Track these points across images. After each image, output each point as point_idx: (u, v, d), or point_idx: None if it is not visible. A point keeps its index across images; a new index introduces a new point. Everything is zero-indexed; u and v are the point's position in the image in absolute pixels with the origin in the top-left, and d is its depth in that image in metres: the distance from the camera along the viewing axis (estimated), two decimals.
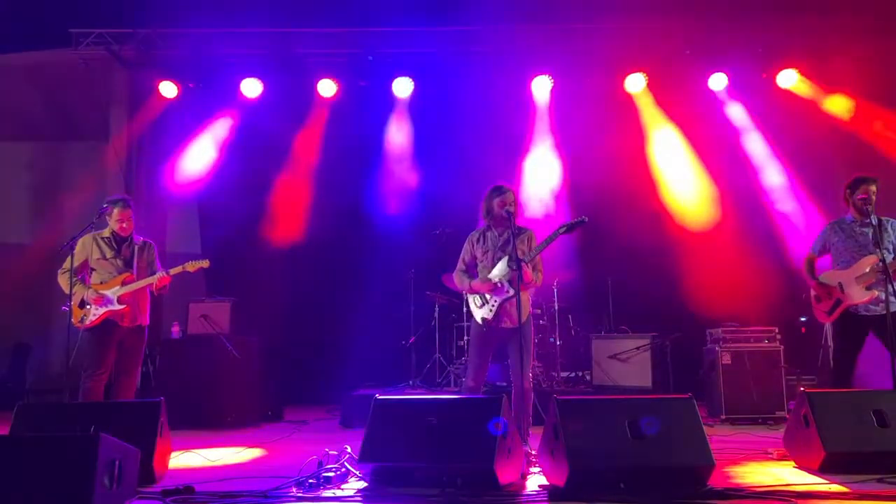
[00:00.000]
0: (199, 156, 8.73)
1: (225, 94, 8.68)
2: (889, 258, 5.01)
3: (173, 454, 4.64)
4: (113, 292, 5.32)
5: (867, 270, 5.07)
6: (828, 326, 7.15)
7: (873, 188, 5.18)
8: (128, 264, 5.46)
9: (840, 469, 3.91)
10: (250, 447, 5.52)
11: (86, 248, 5.43)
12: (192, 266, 5.50)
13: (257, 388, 7.27)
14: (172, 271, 5.45)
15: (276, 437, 6.10)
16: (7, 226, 9.13)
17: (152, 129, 8.75)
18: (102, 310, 5.29)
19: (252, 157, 8.72)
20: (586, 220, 4.84)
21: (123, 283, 5.36)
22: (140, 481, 3.70)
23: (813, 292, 5.41)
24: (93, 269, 5.44)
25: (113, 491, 3.30)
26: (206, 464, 4.78)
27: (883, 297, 5.00)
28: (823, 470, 3.97)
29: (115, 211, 5.42)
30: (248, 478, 4.11)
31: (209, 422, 6.64)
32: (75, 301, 5.32)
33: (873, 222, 5.18)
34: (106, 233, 5.49)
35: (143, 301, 5.51)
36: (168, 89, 8.54)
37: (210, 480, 4.00)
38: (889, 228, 5.21)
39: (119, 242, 5.49)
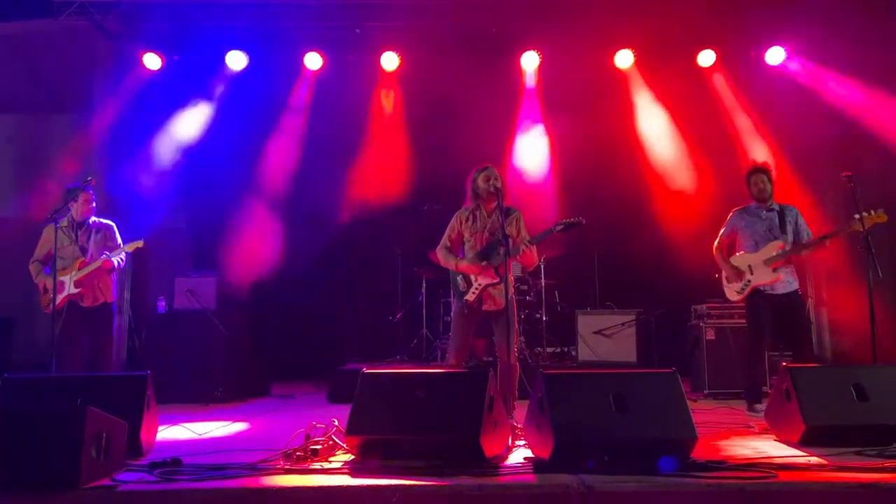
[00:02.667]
0: (184, 128, 8.64)
1: (210, 66, 8.56)
2: (788, 244, 5.54)
3: (160, 428, 4.67)
4: (69, 277, 5.71)
5: (774, 254, 5.50)
6: (810, 303, 7.36)
7: (764, 177, 5.67)
8: (83, 250, 5.83)
9: (820, 442, 3.99)
10: (237, 421, 5.55)
11: (49, 239, 5.76)
12: (129, 247, 5.89)
13: (244, 362, 7.27)
14: (112, 255, 5.82)
15: (263, 412, 6.14)
16: None
17: (137, 102, 8.60)
18: (61, 295, 5.66)
19: (237, 129, 8.62)
20: (583, 222, 4.89)
21: (79, 269, 5.73)
22: (128, 454, 3.72)
23: (724, 273, 5.81)
24: (57, 258, 5.72)
25: (100, 463, 3.31)
26: (194, 437, 4.80)
27: (786, 278, 5.54)
28: (803, 443, 4.04)
29: (81, 196, 5.78)
30: (236, 450, 4.12)
31: (196, 396, 6.64)
32: (41, 287, 5.78)
33: (775, 208, 5.67)
34: (64, 222, 5.84)
35: (102, 281, 5.84)
36: (152, 61, 8.40)
37: (198, 453, 4.03)
38: (788, 215, 5.65)
39: (76, 229, 5.87)
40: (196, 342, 6.95)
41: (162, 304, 7.30)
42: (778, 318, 5.55)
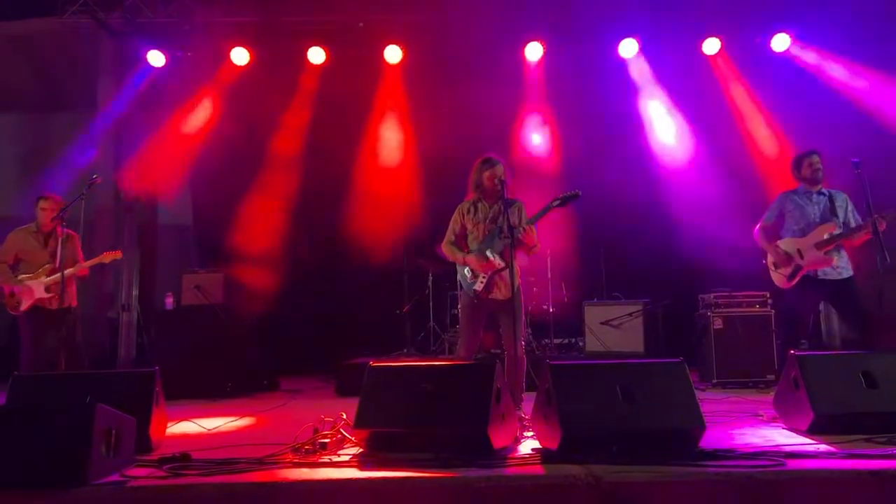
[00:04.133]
0: (189, 125, 8.65)
1: (214, 62, 8.56)
2: (840, 228, 5.34)
3: (169, 423, 4.69)
4: (38, 283, 5.85)
5: (825, 237, 5.28)
6: None
7: (819, 159, 5.48)
8: (52, 256, 5.93)
9: (829, 430, 3.96)
10: (246, 416, 5.57)
11: (17, 242, 5.94)
12: (107, 257, 6.05)
13: (253, 358, 7.30)
14: (87, 263, 6.00)
15: (271, 406, 6.15)
16: None
17: (141, 99, 8.63)
18: (30, 300, 5.81)
19: (242, 125, 8.63)
20: (580, 193, 4.85)
21: (48, 275, 5.87)
22: (137, 449, 3.73)
23: (771, 258, 5.55)
24: (21, 260, 5.93)
25: (109, 459, 3.33)
26: (203, 432, 4.82)
27: (839, 263, 5.32)
28: (812, 431, 4.02)
29: (45, 202, 5.97)
30: (245, 445, 4.13)
31: (205, 392, 6.66)
32: (7, 291, 5.88)
33: (825, 193, 5.47)
34: (33, 227, 6.01)
35: (68, 287, 5.93)
36: (156, 58, 8.41)
37: (206, 448, 4.02)
38: (838, 199, 5.45)
39: (45, 236, 6.00)
40: (204, 338, 6.97)
41: (170, 301, 7.33)
42: (834, 305, 5.37)
